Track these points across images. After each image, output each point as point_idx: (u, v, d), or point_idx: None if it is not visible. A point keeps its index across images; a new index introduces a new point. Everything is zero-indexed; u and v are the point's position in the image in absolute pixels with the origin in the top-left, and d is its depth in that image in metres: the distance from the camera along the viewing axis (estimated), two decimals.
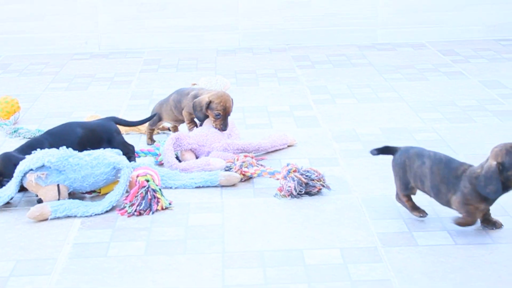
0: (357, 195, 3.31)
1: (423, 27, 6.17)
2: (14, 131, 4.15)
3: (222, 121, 3.70)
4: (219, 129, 3.72)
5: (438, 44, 6.05)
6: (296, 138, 3.95)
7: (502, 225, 2.97)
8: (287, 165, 3.37)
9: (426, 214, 3.03)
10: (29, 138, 4.04)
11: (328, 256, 2.80)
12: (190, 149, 3.68)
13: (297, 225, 3.05)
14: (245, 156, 3.54)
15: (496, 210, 3.05)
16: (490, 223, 2.96)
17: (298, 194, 3.30)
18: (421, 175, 2.95)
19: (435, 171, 2.91)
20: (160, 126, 4.11)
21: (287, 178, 3.32)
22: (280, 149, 3.85)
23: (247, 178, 3.49)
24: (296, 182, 3.29)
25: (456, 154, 3.72)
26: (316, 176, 3.33)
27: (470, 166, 2.89)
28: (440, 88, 4.85)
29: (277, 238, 2.94)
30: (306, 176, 3.32)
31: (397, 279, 2.63)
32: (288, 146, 3.89)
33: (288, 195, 3.30)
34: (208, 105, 3.70)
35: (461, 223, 2.91)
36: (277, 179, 3.38)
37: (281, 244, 2.89)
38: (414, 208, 3.03)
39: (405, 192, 3.03)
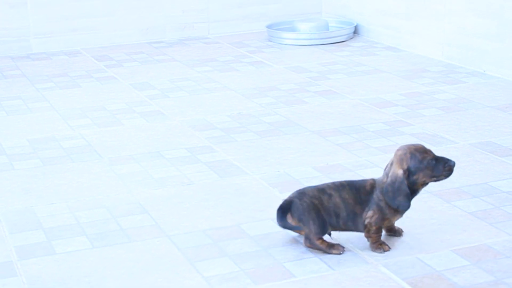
0: None
1: (77, 34, 6.18)
2: None
3: None
4: None
5: (93, 50, 6.10)
6: None
7: (403, 232, 2.90)
8: None
9: (344, 247, 2.80)
10: None
11: None
12: None
13: None
14: None
15: None
16: (393, 231, 2.87)
17: None
18: (334, 208, 2.75)
19: (346, 197, 2.75)
20: None
21: None
22: None
23: None
24: None
25: (101, 157, 3.78)
26: None
27: (373, 179, 2.78)
28: (91, 94, 4.90)
29: None
30: None
31: None
32: None
33: None
34: None
35: (377, 245, 2.77)
36: None
37: None
38: (331, 246, 2.77)
39: (321, 234, 2.76)
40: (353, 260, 2.74)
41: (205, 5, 6.46)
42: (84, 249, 2.89)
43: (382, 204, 2.73)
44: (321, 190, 2.77)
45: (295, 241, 2.89)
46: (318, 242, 2.77)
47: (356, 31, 6.28)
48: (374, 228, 2.74)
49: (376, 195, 2.73)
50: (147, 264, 2.77)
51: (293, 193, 2.82)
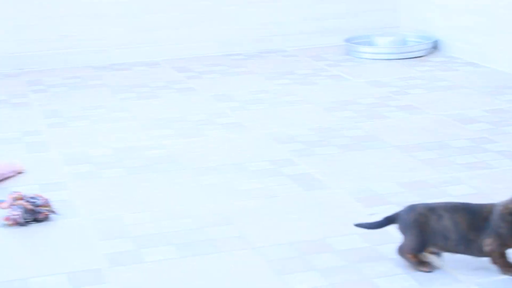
0: (84, 217, 3.30)
1: (157, 45, 6.26)
2: None
3: None
4: None
5: (173, 61, 6.17)
6: (25, 164, 3.88)
7: None
8: (12, 193, 3.30)
9: (434, 266, 2.76)
10: None
11: (54, 283, 2.77)
12: None
13: (23, 253, 2.99)
14: None
15: None
16: None
17: (25, 222, 3.24)
18: (442, 229, 2.68)
19: (459, 220, 2.67)
20: None
21: (13, 206, 3.25)
22: (9, 177, 3.75)
23: None
24: (22, 210, 3.23)
25: (185, 168, 3.82)
26: (42, 202, 3.29)
27: (492, 204, 2.69)
28: (172, 104, 4.95)
29: (2, 269, 2.87)
30: (32, 203, 3.26)
31: None
32: (18, 173, 3.81)
33: (15, 224, 3.23)
34: None
35: (508, 268, 2.69)
36: (3, 208, 3.30)
37: (3, 275, 2.82)
38: (421, 263, 2.74)
39: (416, 251, 2.73)
40: (444, 279, 2.71)
41: (283, 18, 6.48)
42: (172, 258, 2.92)
43: (502, 231, 2.65)
44: (432, 209, 2.73)
45: (383, 256, 2.87)
46: (409, 256, 2.74)
47: (435, 46, 6.22)
48: (497, 254, 2.68)
49: (495, 221, 2.65)
50: (234, 275, 2.78)
51: (403, 207, 2.80)
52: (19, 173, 3.82)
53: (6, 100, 5.19)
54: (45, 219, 3.28)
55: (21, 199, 3.28)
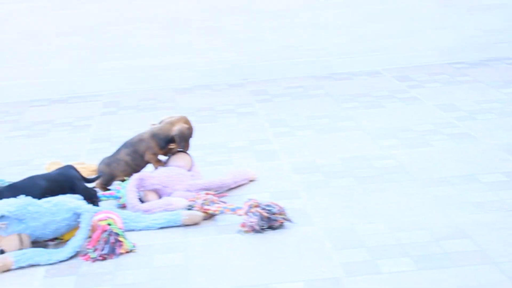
0: (318, 226, 3.33)
1: (377, 55, 6.25)
2: None
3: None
4: (186, 151, 3.84)
5: (393, 70, 6.13)
6: (257, 172, 3.98)
7: None
8: (248, 200, 3.39)
9: None
10: None
11: None
12: (154, 190, 3.69)
13: (261, 259, 3.07)
14: (207, 194, 3.56)
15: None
16: None
17: (261, 229, 3.32)
18: None
19: None
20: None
21: (249, 213, 3.34)
22: (241, 185, 3.87)
23: (209, 216, 3.50)
24: (258, 217, 3.32)
25: (414, 179, 3.77)
26: (278, 209, 3.36)
27: None
28: (396, 114, 4.91)
29: (241, 274, 2.96)
30: (268, 210, 3.34)
31: None
32: (250, 181, 3.91)
33: (251, 231, 3.32)
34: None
35: None
36: (239, 215, 3.40)
37: (246, 280, 2.91)
38: None
39: None
40: None
41: (508, 25, 6.26)
42: (409, 270, 2.88)
43: None
44: None
45: None
46: None
47: None
48: None
49: None
50: None
51: None
52: (251, 180, 3.92)
53: (232, 110, 5.36)
54: (280, 226, 3.34)
55: (257, 206, 3.36)
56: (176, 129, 3.82)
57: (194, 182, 3.74)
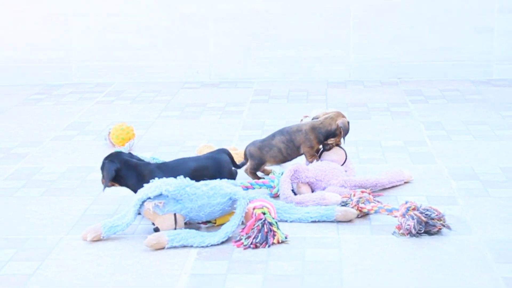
0: (478, 236, 3.20)
1: None
2: None
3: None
4: (339, 146, 3.79)
5: None
6: (412, 174, 3.86)
7: None
8: (406, 202, 3.29)
9: None
10: None
11: None
12: (307, 183, 3.64)
13: (417, 265, 2.96)
14: (362, 192, 3.48)
15: None
16: None
17: (417, 233, 3.21)
18: None
19: None
20: (262, 169, 3.98)
21: (406, 216, 3.24)
22: (396, 186, 3.77)
23: (363, 214, 3.42)
24: (415, 220, 3.21)
25: None
26: (436, 215, 3.24)
27: None
28: None
29: (397, 278, 2.86)
30: (426, 214, 3.23)
31: None
32: (405, 182, 3.81)
33: (407, 234, 3.22)
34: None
35: None
36: (395, 216, 3.30)
37: (402, 285, 2.81)
38: None
39: None
40: None
41: None
42: None
43: None
44: None
45: None
46: None
47: None
48: None
49: None
50: None
51: None
52: (406, 182, 3.81)
53: (386, 108, 5.25)
54: (437, 232, 3.23)
55: (415, 209, 3.25)
56: (340, 122, 3.76)
57: (349, 178, 3.67)
